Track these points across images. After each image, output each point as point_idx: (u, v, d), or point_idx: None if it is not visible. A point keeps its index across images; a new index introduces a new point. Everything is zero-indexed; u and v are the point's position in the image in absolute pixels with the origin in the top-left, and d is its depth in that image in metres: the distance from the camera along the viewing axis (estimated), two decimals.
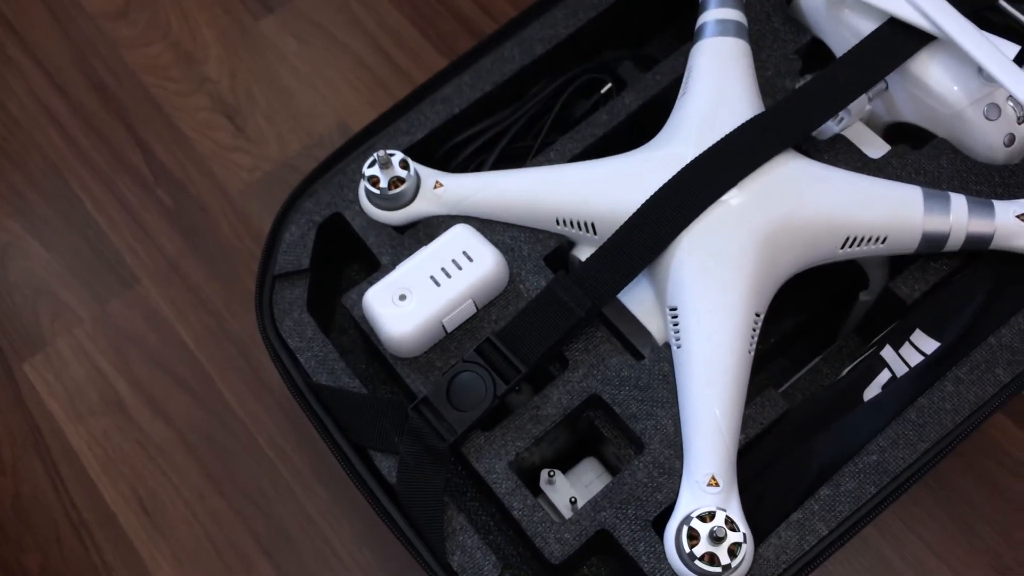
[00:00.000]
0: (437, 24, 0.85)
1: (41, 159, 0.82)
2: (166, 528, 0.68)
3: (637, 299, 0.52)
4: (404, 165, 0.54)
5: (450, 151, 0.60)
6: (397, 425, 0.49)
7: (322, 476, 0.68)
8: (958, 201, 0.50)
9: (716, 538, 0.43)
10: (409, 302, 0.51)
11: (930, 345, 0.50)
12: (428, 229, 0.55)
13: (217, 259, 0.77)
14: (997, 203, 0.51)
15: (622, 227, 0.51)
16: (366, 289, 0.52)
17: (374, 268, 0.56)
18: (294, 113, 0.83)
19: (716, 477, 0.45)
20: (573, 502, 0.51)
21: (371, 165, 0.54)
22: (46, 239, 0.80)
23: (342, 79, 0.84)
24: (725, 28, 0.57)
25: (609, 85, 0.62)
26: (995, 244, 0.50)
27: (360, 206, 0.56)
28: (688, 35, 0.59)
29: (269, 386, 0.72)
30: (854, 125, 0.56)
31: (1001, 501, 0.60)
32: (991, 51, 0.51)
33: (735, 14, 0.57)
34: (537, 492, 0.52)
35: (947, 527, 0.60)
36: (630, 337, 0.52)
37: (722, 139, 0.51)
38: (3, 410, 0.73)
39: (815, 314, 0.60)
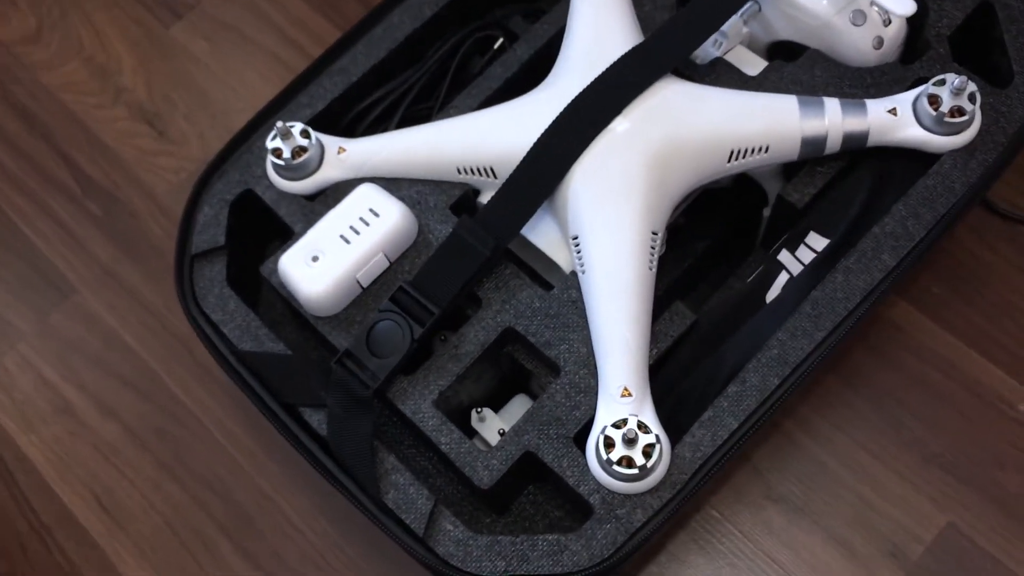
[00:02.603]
0: (343, 10, 0.87)
1: None
2: (126, 522, 0.69)
3: (542, 233, 0.54)
4: (305, 135, 0.56)
5: (353, 120, 0.62)
6: (323, 380, 0.51)
7: (274, 454, 0.70)
8: (831, 104, 0.52)
9: (629, 440, 0.45)
10: (322, 262, 0.52)
11: (823, 244, 0.52)
12: (336, 194, 0.57)
13: (151, 260, 0.78)
14: (869, 101, 0.53)
15: (518, 166, 0.53)
16: (280, 256, 0.54)
17: (289, 237, 0.57)
18: (212, 112, 0.84)
19: (628, 388, 0.47)
20: (502, 433, 0.52)
21: (273, 138, 0.56)
22: None
23: (256, 74, 0.85)
24: None
25: (501, 40, 0.64)
26: (872, 140, 0.53)
27: (269, 180, 0.58)
28: None
29: (212, 374, 0.73)
30: (735, 48, 0.58)
31: (921, 391, 0.63)
32: None
33: None
34: (472, 434, 0.54)
35: (875, 424, 0.63)
36: (540, 271, 0.54)
37: (604, 71, 0.53)
38: None
39: (726, 235, 0.62)
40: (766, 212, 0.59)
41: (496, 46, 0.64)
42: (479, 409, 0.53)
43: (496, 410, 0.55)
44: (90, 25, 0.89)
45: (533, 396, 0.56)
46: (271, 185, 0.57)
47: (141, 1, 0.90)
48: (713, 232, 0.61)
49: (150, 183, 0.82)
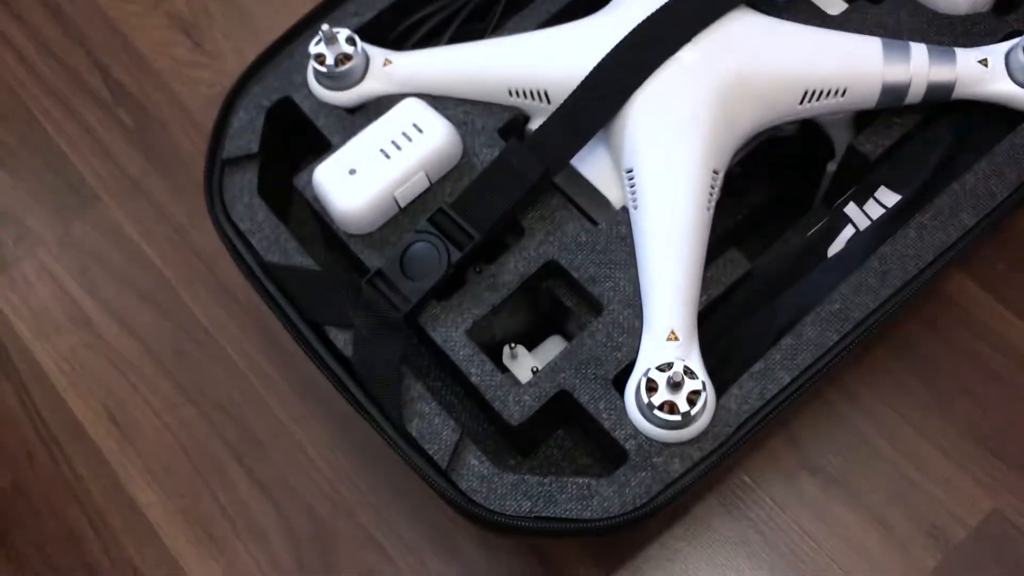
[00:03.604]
0: None
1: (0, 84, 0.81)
2: (136, 439, 0.67)
3: (593, 165, 0.51)
4: (351, 42, 0.53)
5: (401, 35, 0.59)
6: (352, 299, 0.48)
7: (292, 382, 0.68)
8: (918, 50, 0.49)
9: (674, 384, 0.42)
10: (359, 176, 0.49)
11: (894, 199, 0.49)
12: (379, 108, 0.54)
13: (179, 175, 0.76)
14: (958, 50, 0.49)
15: (575, 91, 0.49)
16: (316, 167, 0.51)
17: (326, 150, 0.54)
18: (251, 28, 0.81)
19: (675, 331, 0.44)
20: (535, 372, 0.50)
21: (317, 43, 0.53)
22: (7, 163, 0.78)
23: None
24: None
25: None
26: (957, 93, 0.49)
27: (309, 88, 0.55)
28: None
29: (235, 296, 0.71)
30: None
31: (975, 369, 0.59)
32: None
33: None
34: (503, 370, 0.51)
35: (923, 399, 0.60)
36: (586, 206, 0.51)
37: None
38: None
39: (786, 187, 0.58)
40: (831, 167, 0.56)
41: None
42: (513, 346, 0.51)
43: (529, 349, 0.53)
44: None
45: (568, 337, 0.53)
46: (310, 94, 0.55)
47: None
48: (773, 182, 0.57)
49: (183, 95, 0.79)
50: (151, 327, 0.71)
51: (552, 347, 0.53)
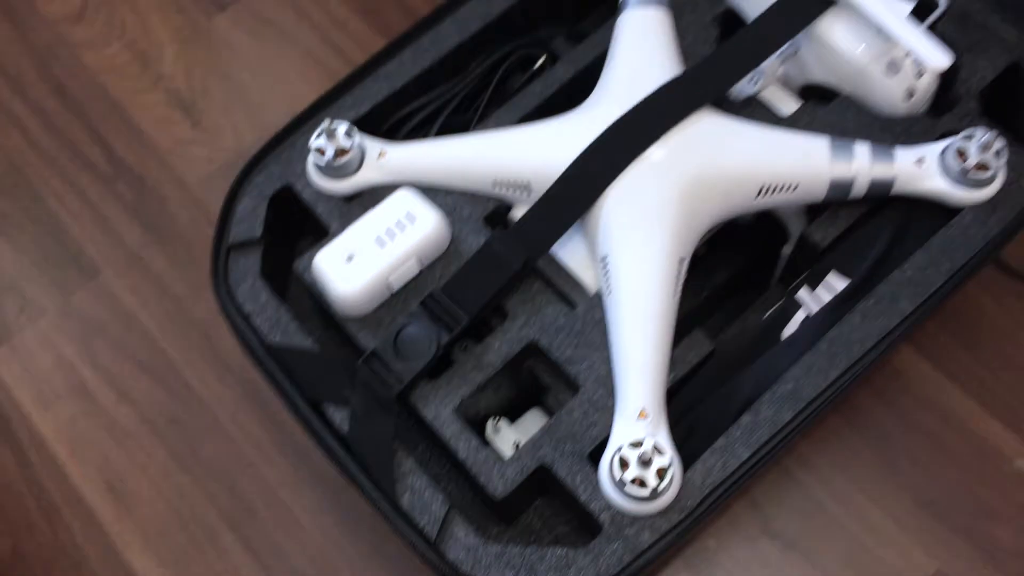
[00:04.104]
0: (383, 15, 0.88)
1: (3, 159, 0.85)
2: (133, 507, 0.70)
3: (571, 252, 0.55)
4: (349, 135, 0.58)
5: (394, 125, 0.63)
6: (348, 378, 0.52)
7: (284, 449, 0.71)
8: (861, 148, 0.54)
9: (644, 462, 0.46)
10: (356, 262, 0.54)
11: (842, 283, 0.54)
12: (374, 197, 0.58)
13: (177, 248, 0.80)
14: (898, 149, 0.54)
15: (554, 183, 0.54)
16: (316, 253, 0.55)
17: (322, 235, 0.58)
18: (248, 106, 0.85)
19: (645, 410, 0.49)
20: (517, 446, 0.54)
21: (318, 136, 0.57)
22: (10, 235, 0.82)
23: (293, 72, 0.87)
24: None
25: (543, 59, 0.65)
26: (897, 189, 0.54)
27: (308, 178, 0.59)
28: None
29: (230, 366, 0.74)
30: (769, 87, 0.60)
31: (919, 437, 0.64)
32: (886, 10, 0.55)
33: None
34: (486, 443, 0.55)
35: (873, 466, 0.64)
36: (565, 289, 0.56)
37: (644, 98, 0.55)
38: None
39: (744, 270, 0.63)
40: (785, 250, 0.61)
41: (537, 65, 0.65)
42: (496, 419, 0.55)
43: (511, 420, 0.56)
44: (134, 10, 0.91)
45: (547, 410, 0.57)
46: (310, 183, 0.59)
47: None
48: (732, 264, 0.62)
49: (181, 171, 0.83)
50: (148, 396, 0.74)
51: (532, 419, 0.57)
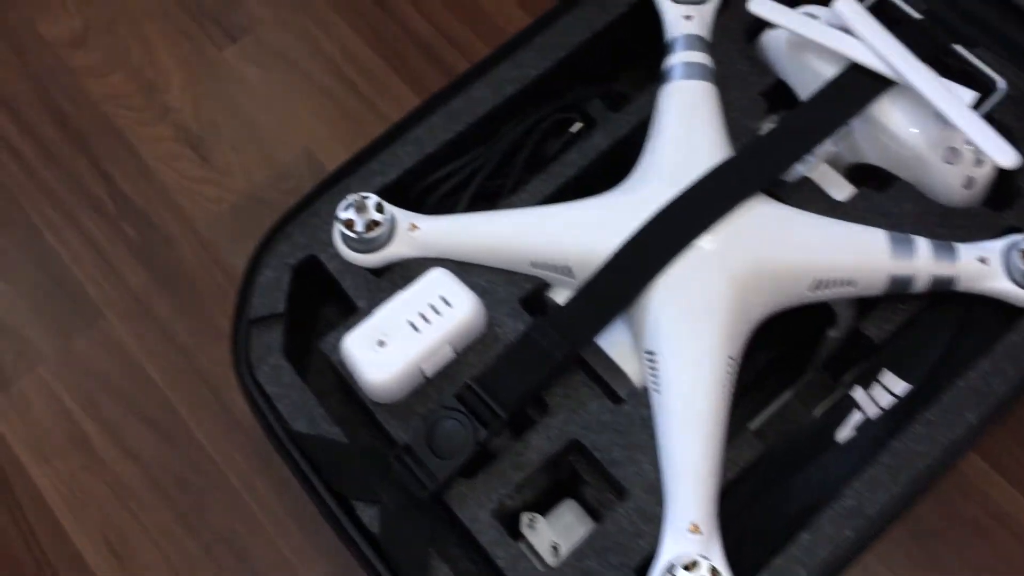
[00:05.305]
0: (398, 49, 0.85)
1: None
2: (136, 570, 0.67)
3: (614, 341, 0.53)
4: (379, 208, 0.55)
5: (423, 191, 0.60)
6: (378, 473, 0.49)
7: (296, 515, 0.68)
8: (923, 244, 0.52)
9: None
10: (388, 348, 0.51)
11: (898, 385, 0.51)
12: (404, 271, 0.55)
13: (184, 293, 0.76)
14: (960, 246, 0.52)
15: (598, 271, 0.51)
16: (344, 334, 0.52)
17: (350, 310, 0.56)
18: (259, 143, 0.82)
19: (698, 524, 0.46)
20: (555, 547, 0.51)
21: (346, 208, 0.54)
22: (5, 273, 0.78)
23: (306, 108, 0.84)
24: (692, 71, 0.58)
25: (579, 124, 0.63)
26: (958, 286, 0.52)
27: (335, 248, 0.56)
28: (655, 70, 0.60)
29: (241, 424, 0.71)
30: (819, 167, 0.57)
31: (978, 544, 0.61)
32: (949, 97, 0.52)
33: (702, 57, 0.58)
34: (517, 535, 0.52)
35: (922, 566, 0.62)
36: (608, 379, 0.53)
37: (694, 183, 0.52)
38: None
39: (784, 350, 0.61)
40: (832, 332, 0.58)
41: (573, 130, 0.62)
42: (531, 518, 0.52)
43: (542, 510, 0.54)
44: (140, 36, 0.87)
45: (582, 501, 0.54)
46: (336, 254, 0.56)
47: (194, 19, 0.88)
48: (774, 348, 0.60)
49: (189, 210, 0.80)
50: (153, 453, 0.71)
51: (567, 513, 0.54)
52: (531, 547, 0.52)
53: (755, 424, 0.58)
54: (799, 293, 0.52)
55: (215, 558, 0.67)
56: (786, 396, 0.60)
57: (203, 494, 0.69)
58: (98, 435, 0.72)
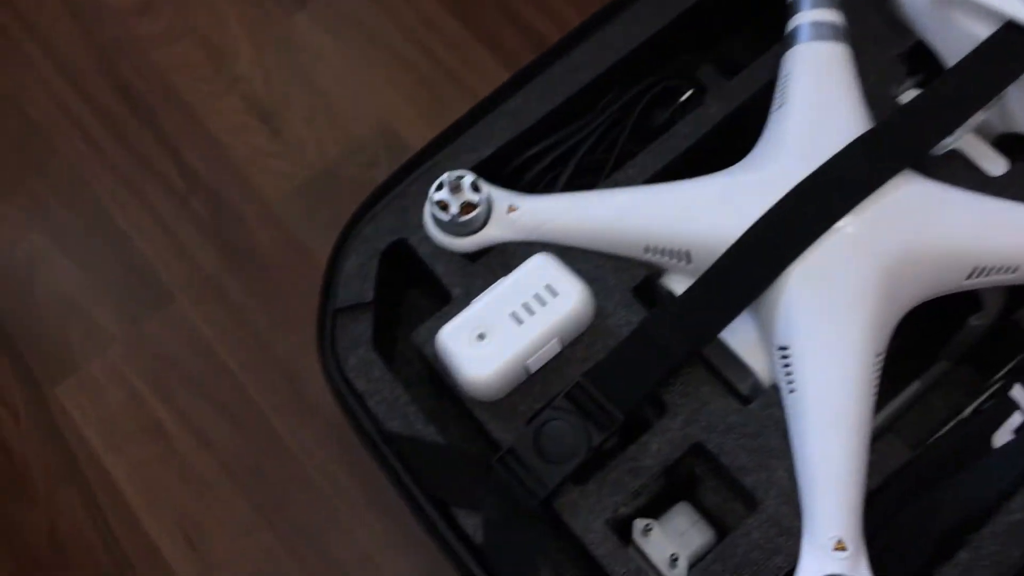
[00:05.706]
0: (479, 13, 0.80)
1: (65, 167, 0.78)
2: (214, 565, 0.64)
3: (738, 335, 0.47)
4: (475, 188, 0.50)
5: (518, 169, 0.55)
6: (481, 478, 0.45)
7: (378, 508, 0.65)
8: None
9: None
10: (489, 342, 0.46)
11: None
12: (502, 257, 0.50)
13: (257, 274, 0.73)
14: None
15: (722, 258, 0.46)
16: (438, 326, 0.47)
17: (440, 296, 0.51)
18: (332, 115, 0.78)
19: (843, 540, 0.41)
20: (674, 559, 0.46)
21: (439, 189, 0.50)
22: (73, 252, 0.75)
23: (381, 77, 0.79)
24: (822, 31, 0.52)
25: (690, 92, 0.57)
26: None
27: (426, 232, 0.51)
28: (770, 33, 0.54)
29: (318, 411, 0.68)
30: (966, 137, 0.51)
31: None
32: None
33: (833, 15, 0.52)
34: (628, 541, 0.48)
35: None
36: (730, 376, 0.48)
37: (831, 160, 0.47)
38: (35, 438, 0.69)
39: (915, 336, 0.55)
40: (974, 320, 0.52)
41: (683, 99, 0.57)
42: (647, 525, 0.47)
43: (654, 514, 0.49)
44: (206, 1, 0.83)
45: (697, 503, 0.50)
46: (427, 237, 0.51)
47: None
48: (898, 332, 0.54)
49: (260, 186, 0.76)
50: (228, 442, 0.68)
51: (681, 517, 0.49)
52: (644, 555, 0.47)
53: (879, 418, 0.53)
54: (954, 281, 0.46)
55: (296, 554, 0.64)
56: (914, 387, 0.54)
57: (281, 487, 0.66)
58: (171, 423, 0.69)
